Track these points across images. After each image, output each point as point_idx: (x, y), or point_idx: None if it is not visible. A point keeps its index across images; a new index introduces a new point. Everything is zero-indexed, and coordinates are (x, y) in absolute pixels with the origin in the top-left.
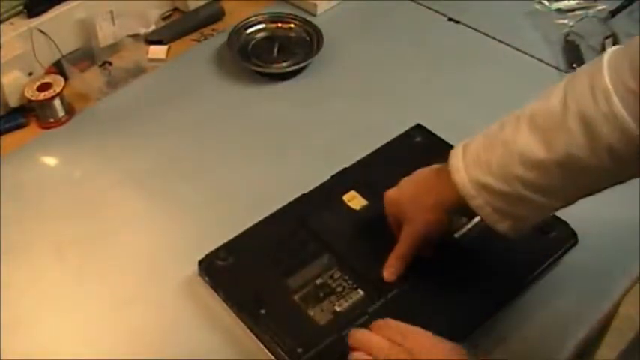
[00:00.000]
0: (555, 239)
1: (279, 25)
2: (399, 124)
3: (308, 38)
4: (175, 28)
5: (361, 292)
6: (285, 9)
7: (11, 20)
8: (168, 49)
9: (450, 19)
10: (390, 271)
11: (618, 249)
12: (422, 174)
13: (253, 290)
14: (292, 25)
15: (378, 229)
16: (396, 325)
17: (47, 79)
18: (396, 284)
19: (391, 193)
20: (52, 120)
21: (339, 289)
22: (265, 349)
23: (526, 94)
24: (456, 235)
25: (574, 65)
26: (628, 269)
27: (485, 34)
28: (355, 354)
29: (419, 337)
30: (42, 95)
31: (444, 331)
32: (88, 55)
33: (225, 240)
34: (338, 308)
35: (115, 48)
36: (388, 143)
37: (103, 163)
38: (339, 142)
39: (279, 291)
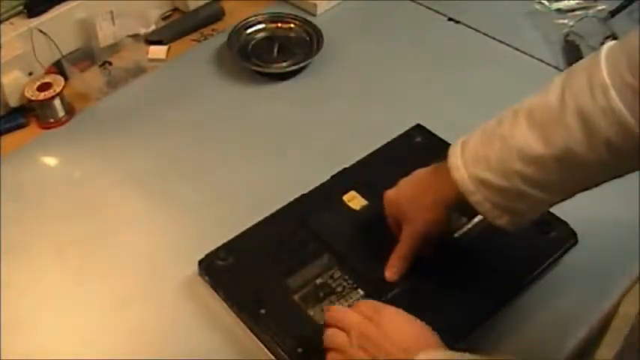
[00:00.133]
0: (555, 239)
1: (279, 25)
2: (399, 124)
3: (308, 38)
4: (175, 28)
5: (361, 292)
6: (285, 9)
7: (11, 20)
8: (168, 49)
9: (450, 19)
10: (392, 272)
11: (618, 249)
12: (420, 174)
13: (253, 290)
14: (292, 25)
15: (378, 229)
16: (372, 303)
17: (47, 79)
18: (396, 284)
19: (390, 194)
20: (52, 120)
21: (339, 289)
22: (265, 349)
23: (526, 94)
24: (456, 235)
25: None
26: (628, 269)
27: (485, 34)
28: (329, 330)
29: (391, 314)
30: (42, 95)
31: (444, 331)
32: (88, 55)
33: (225, 240)
34: None
35: (115, 48)
36: (388, 143)
37: (103, 163)
38: (339, 142)
39: (279, 291)
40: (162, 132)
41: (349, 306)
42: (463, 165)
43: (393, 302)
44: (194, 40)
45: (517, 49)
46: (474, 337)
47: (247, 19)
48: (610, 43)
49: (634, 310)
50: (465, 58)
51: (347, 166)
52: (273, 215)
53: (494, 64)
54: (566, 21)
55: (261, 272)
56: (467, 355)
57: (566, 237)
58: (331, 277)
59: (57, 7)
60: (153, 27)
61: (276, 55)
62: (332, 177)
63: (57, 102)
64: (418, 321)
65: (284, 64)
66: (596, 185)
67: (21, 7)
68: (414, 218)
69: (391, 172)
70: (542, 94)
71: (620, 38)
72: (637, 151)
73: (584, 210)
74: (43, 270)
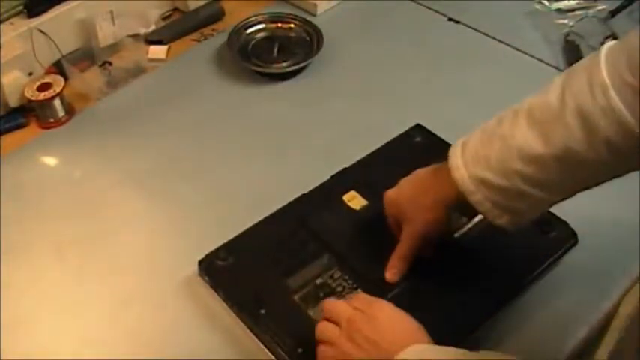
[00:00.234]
0: (555, 239)
1: (279, 25)
2: (399, 124)
3: (308, 38)
4: (175, 28)
5: (361, 292)
6: (285, 9)
7: (11, 20)
8: (168, 49)
9: (450, 19)
10: (392, 272)
11: (618, 249)
12: (420, 174)
13: (253, 290)
14: (292, 25)
15: (378, 229)
16: (366, 296)
17: (47, 79)
18: (396, 284)
19: (390, 194)
20: (52, 120)
21: (339, 289)
22: (265, 349)
23: (526, 94)
24: (456, 235)
25: None
26: (628, 269)
27: (485, 34)
28: (321, 322)
29: (382, 307)
30: (42, 95)
31: (444, 331)
32: (88, 55)
33: (225, 240)
34: None
35: (115, 48)
36: (388, 143)
37: (103, 163)
38: (339, 142)
39: (279, 291)
40: (162, 132)
41: None
42: (463, 165)
43: (393, 302)
44: (194, 40)
45: (517, 49)
46: (474, 337)
47: (247, 19)
48: (610, 43)
49: (634, 310)
50: (465, 58)
51: (347, 166)
52: (273, 215)
53: (494, 64)
54: (566, 21)
55: (261, 272)
56: (451, 350)
57: (566, 237)
58: (331, 277)
59: (57, 7)
60: (153, 27)
61: (276, 55)
62: (332, 177)
63: (57, 102)
64: (409, 316)
65: (284, 64)
66: (596, 185)
67: (21, 7)
68: (414, 218)
69: (391, 172)
70: (542, 93)
71: (620, 38)
72: (637, 151)
73: (584, 210)
74: (43, 270)
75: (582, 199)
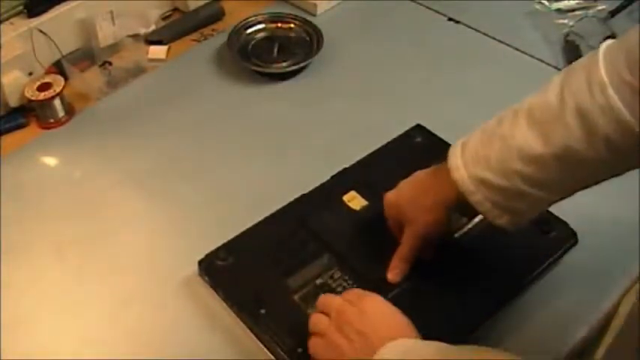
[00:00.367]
0: (555, 239)
1: (279, 25)
2: (399, 124)
3: (308, 38)
4: (175, 28)
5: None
6: (285, 9)
7: (11, 20)
8: (168, 49)
9: (450, 19)
10: (394, 273)
11: (618, 249)
12: (419, 175)
13: (253, 290)
14: (292, 25)
15: (378, 229)
16: (358, 290)
17: (47, 79)
18: (397, 284)
19: (390, 196)
20: (52, 120)
21: (340, 289)
22: (265, 349)
23: (526, 94)
24: (456, 235)
25: None
26: (628, 269)
27: (485, 34)
28: (314, 315)
29: (372, 299)
30: (42, 95)
31: (444, 331)
32: (88, 55)
33: (225, 240)
34: None
35: (115, 48)
36: (388, 143)
37: (103, 163)
38: (339, 142)
39: (279, 291)
40: (162, 132)
41: None
42: (463, 165)
43: (394, 302)
44: (194, 40)
45: (517, 49)
46: (474, 337)
47: (247, 19)
48: (608, 42)
49: (633, 308)
50: (465, 58)
51: (347, 166)
52: (273, 215)
53: (494, 64)
54: (566, 21)
55: (261, 272)
56: (433, 344)
57: (566, 237)
58: (331, 277)
59: (57, 7)
60: (153, 27)
61: (276, 55)
62: (332, 177)
63: (57, 102)
64: (399, 312)
65: (284, 64)
66: (596, 183)
67: (21, 7)
68: (415, 220)
69: (391, 172)
70: (541, 93)
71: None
72: (636, 149)
73: (584, 210)
74: (43, 270)
75: (582, 199)
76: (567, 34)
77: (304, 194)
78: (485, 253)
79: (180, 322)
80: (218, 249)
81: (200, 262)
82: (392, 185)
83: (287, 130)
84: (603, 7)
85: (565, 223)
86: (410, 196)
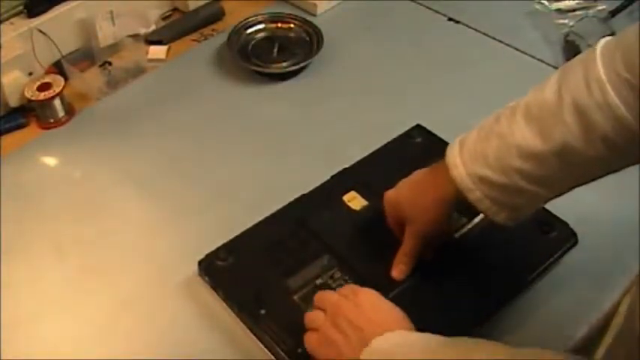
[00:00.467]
0: (555, 239)
1: (279, 25)
2: (399, 124)
3: (308, 38)
4: (175, 28)
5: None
6: (285, 9)
7: (11, 20)
8: (168, 49)
9: (450, 19)
10: (399, 269)
11: (618, 249)
12: (419, 174)
13: (253, 290)
14: (292, 25)
15: (378, 230)
16: (354, 285)
17: (47, 79)
18: (396, 284)
19: (390, 195)
20: (52, 120)
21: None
22: (265, 349)
23: (526, 95)
24: (456, 235)
25: None
26: (628, 269)
27: (485, 34)
28: (310, 312)
29: (367, 293)
30: (42, 95)
31: (445, 331)
32: (88, 55)
33: (225, 240)
34: None
35: (115, 48)
36: (388, 143)
37: (103, 163)
38: (339, 142)
39: (279, 291)
40: (162, 132)
41: None
42: (461, 163)
43: (394, 302)
44: (194, 40)
45: (517, 49)
46: (474, 336)
47: (247, 19)
48: (605, 39)
49: (631, 306)
50: (465, 58)
51: (347, 166)
52: (273, 215)
53: (494, 64)
54: (566, 21)
55: (261, 272)
56: (424, 337)
57: (566, 237)
58: (331, 277)
59: (57, 7)
60: (153, 27)
61: (276, 55)
62: (332, 177)
63: (57, 102)
64: (395, 306)
65: (284, 64)
66: (594, 180)
67: (21, 7)
68: (415, 218)
69: (391, 172)
70: (538, 90)
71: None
72: (633, 145)
73: (585, 210)
74: (43, 270)
75: (582, 199)
76: (567, 34)
77: (304, 194)
78: (486, 252)
79: (180, 322)
80: (218, 249)
81: (200, 262)
82: (392, 185)
83: (287, 130)
84: (603, 7)
85: (565, 224)
86: (409, 194)
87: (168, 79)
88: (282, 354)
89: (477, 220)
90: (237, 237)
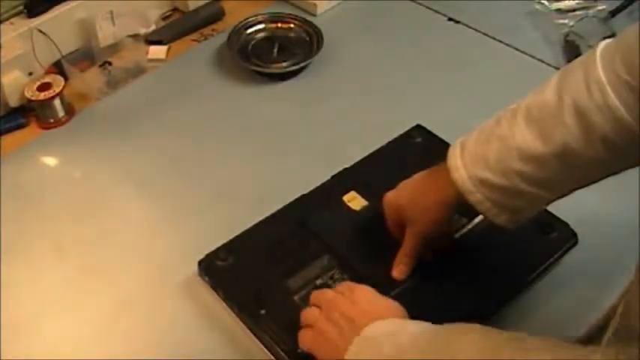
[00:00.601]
0: (555, 239)
1: (279, 25)
2: (399, 124)
3: (308, 38)
4: (175, 28)
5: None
6: (285, 9)
7: (11, 20)
8: (168, 49)
9: (450, 19)
10: (400, 269)
11: (618, 249)
12: (419, 176)
13: (253, 290)
14: (292, 25)
15: (378, 230)
16: (350, 282)
17: (47, 79)
18: (396, 284)
19: (390, 196)
20: (52, 120)
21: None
22: (265, 349)
23: (526, 95)
24: (457, 236)
25: None
26: (628, 269)
27: (485, 34)
28: (305, 309)
29: (363, 289)
30: (42, 95)
31: None
32: (88, 55)
33: (225, 240)
34: None
35: (115, 48)
36: (388, 143)
37: (103, 163)
38: (339, 142)
39: (279, 291)
40: (162, 132)
41: None
42: (462, 165)
43: None
44: (194, 40)
45: (517, 49)
46: None
47: (247, 19)
48: (605, 41)
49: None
50: (465, 58)
51: (347, 166)
52: (273, 215)
53: (494, 64)
54: (566, 21)
55: (261, 272)
56: (416, 325)
57: (566, 237)
58: (331, 277)
59: (57, 7)
60: (153, 27)
61: (276, 55)
62: (332, 177)
63: (57, 102)
64: (392, 301)
65: (284, 64)
66: (594, 182)
67: (21, 7)
68: (415, 220)
69: (391, 172)
70: (538, 92)
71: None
72: (634, 147)
73: (585, 210)
74: (43, 270)
75: (582, 199)
76: (567, 34)
77: (304, 194)
78: (486, 253)
79: (180, 322)
80: (218, 249)
81: (200, 262)
82: (392, 185)
83: (287, 130)
84: (603, 7)
85: (565, 224)
86: (410, 196)
87: (168, 79)
88: (282, 354)
89: (477, 220)
90: (237, 237)
